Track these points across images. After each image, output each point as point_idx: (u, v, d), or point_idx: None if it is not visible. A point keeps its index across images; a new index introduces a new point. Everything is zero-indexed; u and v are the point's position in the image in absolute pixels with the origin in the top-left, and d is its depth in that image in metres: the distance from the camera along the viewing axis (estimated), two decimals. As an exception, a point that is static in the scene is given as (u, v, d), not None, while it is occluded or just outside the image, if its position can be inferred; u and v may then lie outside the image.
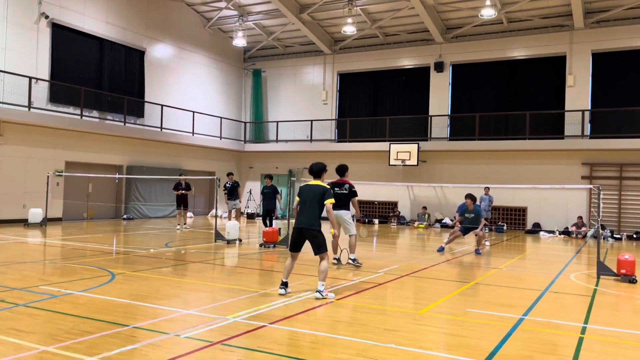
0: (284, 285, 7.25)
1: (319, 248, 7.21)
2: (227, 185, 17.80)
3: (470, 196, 13.47)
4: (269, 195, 15.19)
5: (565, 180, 20.50)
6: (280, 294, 7.15)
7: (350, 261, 9.98)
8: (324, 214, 7.43)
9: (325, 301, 6.88)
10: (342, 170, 10.43)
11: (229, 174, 18.25)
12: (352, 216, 10.67)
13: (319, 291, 7.00)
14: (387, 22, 24.15)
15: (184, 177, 18.35)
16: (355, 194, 10.20)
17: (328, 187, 7.47)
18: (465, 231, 13.51)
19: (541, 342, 5.39)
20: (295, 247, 7.39)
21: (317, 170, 7.59)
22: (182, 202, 17.87)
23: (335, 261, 10.10)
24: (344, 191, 10.15)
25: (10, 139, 17.71)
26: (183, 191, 17.79)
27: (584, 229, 19.38)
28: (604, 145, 20.11)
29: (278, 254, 11.84)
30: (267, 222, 15.12)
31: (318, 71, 27.25)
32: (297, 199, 7.55)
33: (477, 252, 13.14)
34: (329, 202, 7.28)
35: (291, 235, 7.52)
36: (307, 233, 7.24)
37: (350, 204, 10.30)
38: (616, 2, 20.35)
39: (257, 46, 27.96)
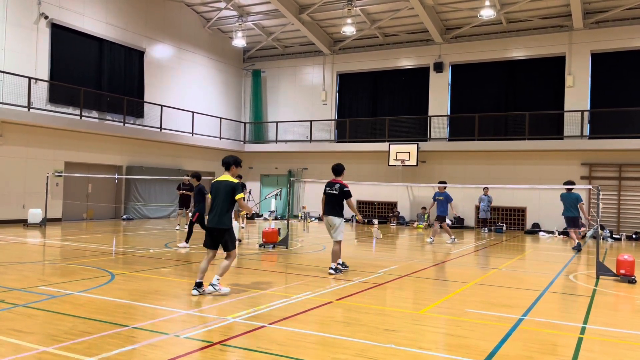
0: (198, 285, 7.14)
1: (226, 247, 7.24)
2: None
3: (442, 182, 16.29)
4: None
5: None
6: (194, 295, 7.05)
7: (331, 271, 9.10)
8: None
9: (218, 294, 6.92)
10: (337, 170, 9.64)
11: (238, 176, 18.41)
12: (354, 219, 10.34)
13: (212, 284, 7.07)
14: (386, 23, 24.16)
15: (189, 177, 18.38)
16: (347, 194, 9.31)
17: (237, 181, 7.36)
18: (439, 218, 15.70)
19: (541, 342, 5.39)
20: (210, 245, 7.35)
21: (226, 163, 7.53)
22: (184, 203, 17.91)
23: (343, 267, 9.48)
24: (334, 191, 9.36)
25: (10, 139, 17.71)
26: (184, 191, 17.83)
27: (583, 229, 19.37)
28: (603, 145, 20.13)
29: (277, 254, 11.84)
30: (192, 227, 12.71)
31: (317, 71, 27.26)
32: (208, 196, 7.46)
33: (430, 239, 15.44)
34: (239, 197, 7.20)
35: (205, 234, 7.47)
36: (216, 232, 7.23)
37: (346, 206, 9.46)
38: (615, 2, 20.37)
39: (256, 46, 27.97)
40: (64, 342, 4.85)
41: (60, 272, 8.92)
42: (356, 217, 9.79)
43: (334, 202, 9.36)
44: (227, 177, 7.43)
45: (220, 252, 7.39)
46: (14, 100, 17.47)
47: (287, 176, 26.30)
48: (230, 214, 7.28)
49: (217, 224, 7.18)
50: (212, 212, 7.27)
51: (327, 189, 9.51)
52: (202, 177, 13.75)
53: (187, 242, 12.43)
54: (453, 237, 15.68)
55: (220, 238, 7.24)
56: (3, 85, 17.45)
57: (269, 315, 6.11)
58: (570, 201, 14.26)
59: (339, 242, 9.28)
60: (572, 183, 14.65)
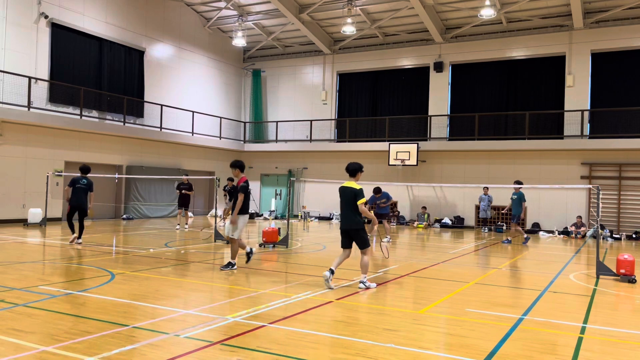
0: (331, 271, 7.78)
1: (361, 245, 7.93)
2: (226, 188, 18.35)
3: (376, 188, 16.05)
4: (82, 190, 12.56)
5: (564, 180, 20.52)
6: (324, 276, 7.72)
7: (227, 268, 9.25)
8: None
9: (368, 290, 7.74)
10: (243, 166, 9.72)
11: (230, 179, 18.63)
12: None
13: (362, 282, 7.89)
14: (386, 22, 24.16)
15: (187, 177, 18.41)
16: (242, 189, 9.30)
17: (359, 187, 7.90)
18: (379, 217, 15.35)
19: (541, 341, 5.39)
20: (345, 245, 8.04)
21: (353, 170, 8.12)
22: (183, 203, 17.92)
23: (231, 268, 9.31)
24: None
25: (10, 138, 17.71)
26: (183, 191, 17.85)
27: (583, 228, 19.38)
28: (603, 145, 20.13)
29: (277, 254, 11.84)
30: (73, 224, 12.67)
31: (318, 71, 27.26)
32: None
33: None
34: (361, 202, 7.81)
35: (341, 235, 8.13)
36: (351, 233, 7.93)
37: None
38: (615, 2, 20.37)
39: (256, 46, 27.97)
40: (64, 342, 4.85)
41: (60, 272, 8.92)
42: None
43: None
44: (351, 183, 8.01)
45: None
46: (14, 100, 17.48)
47: (287, 176, 26.29)
48: (359, 215, 7.87)
49: (350, 226, 7.87)
50: (342, 216, 8.02)
51: (249, 188, 9.60)
52: (201, 177, 13.79)
53: (79, 238, 12.45)
54: (389, 236, 15.61)
55: (355, 237, 7.89)
56: (3, 85, 17.46)
57: (269, 315, 6.11)
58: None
59: (235, 240, 9.42)
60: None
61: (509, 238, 16.45)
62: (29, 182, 18.23)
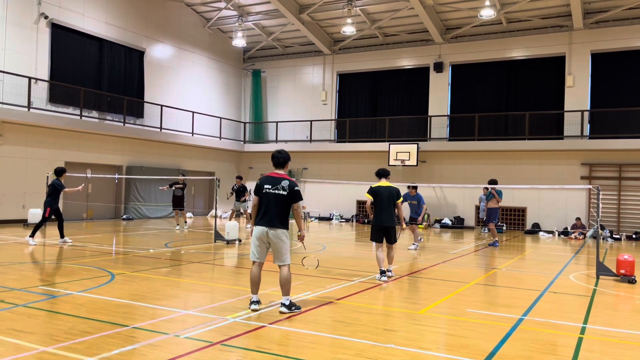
0: (382, 272, 8.72)
1: (392, 240, 8.93)
2: (235, 187, 18.50)
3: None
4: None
5: (564, 180, 20.52)
6: (381, 280, 8.61)
7: (284, 309, 6.27)
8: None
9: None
10: (283, 159, 7.02)
11: (238, 177, 18.78)
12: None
13: (389, 270, 8.93)
14: (386, 23, 24.16)
15: (184, 177, 18.38)
16: (299, 196, 6.54)
17: (397, 187, 8.93)
18: None
19: (541, 342, 5.39)
20: (381, 239, 8.90)
21: (383, 174, 9.05)
22: (176, 203, 17.92)
23: None
24: (282, 192, 6.51)
25: (10, 139, 17.70)
26: (174, 186, 17.87)
27: (581, 230, 19.36)
28: (603, 145, 20.13)
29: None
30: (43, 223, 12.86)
31: (317, 71, 27.26)
32: (369, 197, 8.91)
33: None
34: (399, 201, 8.87)
35: (375, 231, 8.88)
36: (389, 229, 8.82)
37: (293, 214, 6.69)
38: (615, 2, 20.37)
39: (256, 46, 27.97)
40: (64, 342, 4.85)
41: (60, 272, 8.93)
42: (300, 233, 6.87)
43: (279, 207, 6.52)
44: (387, 183, 8.95)
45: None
46: (14, 100, 17.47)
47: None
48: (395, 214, 8.91)
49: (391, 223, 8.78)
50: (381, 214, 8.76)
51: (268, 187, 6.64)
52: (201, 177, 13.85)
53: (32, 237, 12.52)
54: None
55: (388, 233, 8.82)
56: (3, 85, 17.45)
57: (269, 315, 6.11)
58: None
59: (288, 266, 6.53)
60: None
61: (496, 240, 15.43)
62: (29, 183, 18.22)
